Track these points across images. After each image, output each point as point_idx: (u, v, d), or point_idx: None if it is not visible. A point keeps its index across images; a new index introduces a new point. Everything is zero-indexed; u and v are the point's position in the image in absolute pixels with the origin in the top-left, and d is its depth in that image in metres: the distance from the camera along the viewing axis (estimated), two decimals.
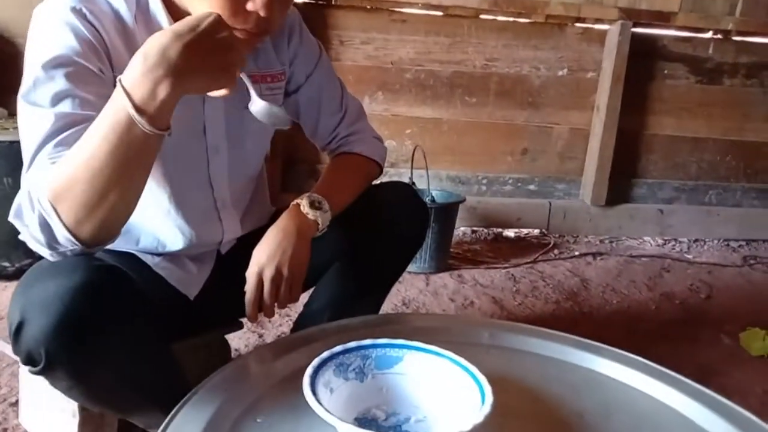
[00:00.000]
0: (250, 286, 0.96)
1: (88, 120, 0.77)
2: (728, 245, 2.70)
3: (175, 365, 0.89)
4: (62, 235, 0.73)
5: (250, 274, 0.96)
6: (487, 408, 0.67)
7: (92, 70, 0.81)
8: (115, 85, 0.85)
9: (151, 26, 0.88)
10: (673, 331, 1.83)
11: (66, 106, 0.77)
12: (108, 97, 0.82)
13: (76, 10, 0.81)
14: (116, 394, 0.84)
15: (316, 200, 1.01)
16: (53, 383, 0.78)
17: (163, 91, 0.69)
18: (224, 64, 0.73)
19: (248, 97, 1.02)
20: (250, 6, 0.81)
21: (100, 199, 0.71)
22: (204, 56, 0.70)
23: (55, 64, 0.79)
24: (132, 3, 0.88)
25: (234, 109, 1.01)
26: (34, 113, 0.78)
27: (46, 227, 0.73)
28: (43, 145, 0.76)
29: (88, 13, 0.82)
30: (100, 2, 0.86)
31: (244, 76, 0.82)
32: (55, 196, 0.71)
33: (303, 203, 1.00)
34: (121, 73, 0.85)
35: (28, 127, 0.78)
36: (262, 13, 0.81)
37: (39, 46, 0.81)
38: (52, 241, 0.74)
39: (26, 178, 0.76)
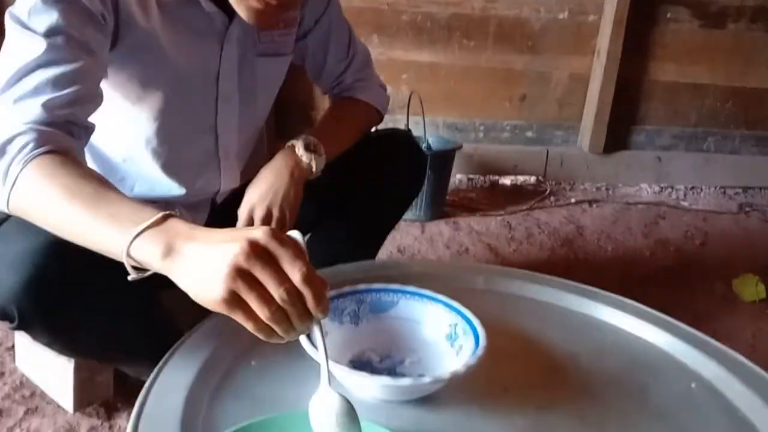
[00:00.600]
0: (240, 225, 0.95)
1: (79, 60, 0.74)
2: (725, 193, 2.69)
3: (162, 315, 0.88)
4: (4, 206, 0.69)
5: (241, 213, 0.95)
6: (480, 351, 0.67)
7: (92, 12, 0.77)
8: (115, 35, 0.81)
9: None
10: (667, 278, 1.84)
11: (59, 41, 0.73)
12: (102, 44, 0.79)
13: None
14: (98, 348, 0.84)
15: (311, 143, 0.99)
16: (33, 338, 0.78)
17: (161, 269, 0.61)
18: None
19: (259, 44, 0.99)
20: None
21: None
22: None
23: None
24: None
25: (248, 58, 0.98)
26: (25, 37, 0.73)
27: None
28: (30, 71, 0.72)
29: None
30: None
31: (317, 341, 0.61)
32: (16, 209, 0.68)
33: (298, 145, 0.98)
34: (126, 19, 0.81)
35: (15, 47, 0.74)
36: None
37: None
38: None
39: (2, 99, 0.72)
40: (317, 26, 1.08)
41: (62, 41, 0.74)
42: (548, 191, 2.50)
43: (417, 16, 2.43)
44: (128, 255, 0.60)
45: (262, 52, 1.00)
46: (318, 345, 0.59)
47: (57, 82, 0.72)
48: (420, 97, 2.14)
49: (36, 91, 0.71)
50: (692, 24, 2.59)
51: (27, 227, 0.71)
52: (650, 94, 2.68)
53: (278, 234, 0.56)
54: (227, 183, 1.07)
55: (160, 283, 0.92)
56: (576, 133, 2.68)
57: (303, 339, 0.66)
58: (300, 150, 0.97)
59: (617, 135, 2.67)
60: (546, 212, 2.30)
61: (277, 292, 0.54)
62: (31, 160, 0.67)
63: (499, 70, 2.55)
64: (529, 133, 2.66)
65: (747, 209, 2.51)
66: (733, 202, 2.59)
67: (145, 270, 0.61)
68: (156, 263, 0.59)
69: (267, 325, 0.55)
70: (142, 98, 0.90)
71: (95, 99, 0.79)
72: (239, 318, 0.55)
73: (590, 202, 2.43)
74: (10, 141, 0.68)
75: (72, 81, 0.73)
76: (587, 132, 2.61)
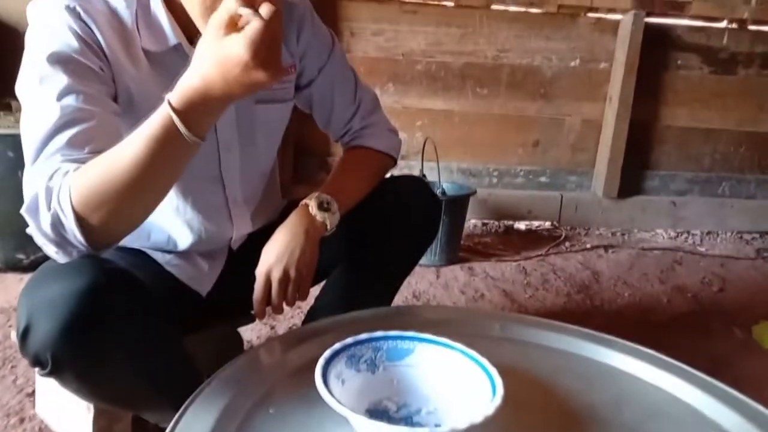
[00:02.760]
0: (258, 286, 0.97)
1: (94, 117, 0.78)
2: (741, 237, 2.67)
3: (185, 361, 0.89)
4: (75, 238, 0.73)
5: (259, 274, 0.97)
6: (498, 400, 0.67)
7: (91, 67, 0.82)
8: (113, 83, 0.86)
9: (152, 24, 0.88)
10: (685, 324, 1.82)
11: (70, 100, 0.78)
12: (109, 94, 0.84)
13: (70, 9, 0.81)
14: (125, 394, 0.85)
15: (324, 201, 1.00)
16: (62, 384, 0.78)
17: (215, 114, 0.73)
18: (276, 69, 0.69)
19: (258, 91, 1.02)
20: None
21: (129, 207, 0.74)
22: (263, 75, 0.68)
23: (56, 60, 0.79)
24: (133, 3, 0.87)
25: (245, 105, 1.01)
26: (38, 106, 0.78)
27: (59, 227, 0.73)
28: (50, 138, 0.76)
29: (82, 12, 0.82)
30: (96, 1, 0.85)
31: None
32: (82, 202, 0.72)
33: (311, 204, 0.99)
34: (116, 71, 0.85)
35: (32, 119, 0.78)
36: None
37: (38, 43, 0.81)
38: (62, 241, 0.74)
39: (31, 172, 0.76)
40: (321, 75, 1.10)
41: (73, 99, 0.78)
42: (563, 236, 2.50)
43: (431, 65, 2.49)
44: (174, 110, 0.70)
45: (260, 99, 1.03)
46: None
47: (76, 142, 0.76)
48: (434, 143, 2.18)
49: (59, 151, 0.76)
50: (702, 70, 2.63)
51: (61, 271, 0.73)
52: (663, 139, 2.70)
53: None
54: (240, 229, 1.08)
55: (185, 329, 0.94)
56: (590, 178, 2.70)
57: (319, 384, 0.67)
58: (314, 209, 0.99)
59: (631, 180, 2.68)
60: (561, 258, 2.30)
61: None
62: (68, 182, 0.72)
63: (512, 117, 2.59)
64: (543, 178, 2.68)
65: (765, 254, 2.49)
66: (750, 247, 2.57)
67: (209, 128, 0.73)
68: (194, 81, 0.69)
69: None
70: None
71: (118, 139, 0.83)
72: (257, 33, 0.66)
73: (606, 248, 2.43)
74: (50, 178, 0.73)
75: (90, 138, 0.77)
76: (601, 177, 2.63)
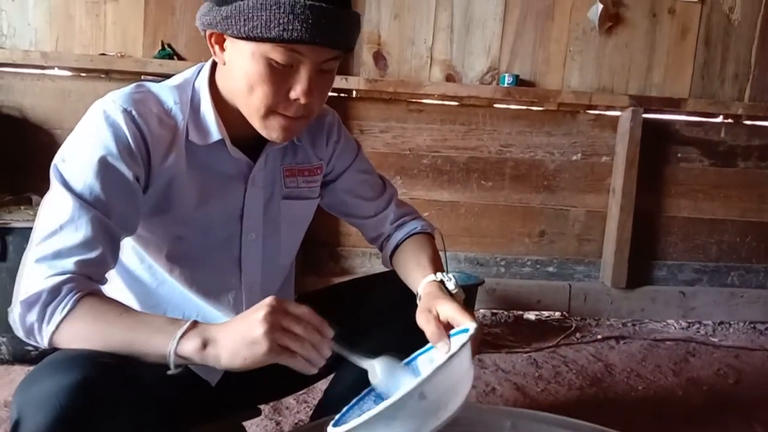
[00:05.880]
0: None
1: (102, 224, 0.84)
2: (755, 328, 2.64)
3: None
4: (40, 345, 0.81)
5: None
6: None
7: (125, 176, 0.87)
8: (144, 191, 0.91)
9: (199, 121, 0.94)
10: (702, 419, 1.77)
11: (90, 201, 0.84)
12: (130, 212, 0.89)
13: (126, 112, 0.88)
14: None
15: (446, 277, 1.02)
16: None
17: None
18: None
19: (285, 189, 1.08)
20: (292, 94, 0.88)
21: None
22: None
23: (93, 161, 0.85)
24: (186, 105, 0.94)
25: (273, 201, 1.06)
26: (62, 193, 0.84)
27: (34, 333, 0.80)
28: (61, 228, 0.82)
29: (136, 115, 0.88)
30: (152, 103, 0.92)
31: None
32: (59, 343, 0.79)
33: (447, 282, 1.00)
34: (155, 167, 0.91)
35: (53, 201, 0.84)
36: (303, 101, 0.88)
37: (84, 138, 0.87)
38: (28, 338, 0.81)
39: (36, 257, 0.81)
40: (348, 170, 1.16)
41: (93, 201, 0.84)
42: (574, 327, 2.48)
43: (437, 159, 2.58)
44: (175, 355, 0.76)
45: (287, 196, 1.08)
46: (345, 353, 0.81)
47: (85, 244, 0.82)
48: (441, 233, 2.21)
49: (70, 252, 0.81)
50: (703, 163, 2.70)
51: (56, 366, 0.74)
52: (668, 229, 2.73)
53: (278, 298, 0.78)
54: None
55: (191, 420, 0.93)
56: (597, 269, 2.71)
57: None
58: (451, 285, 1.00)
59: (639, 270, 2.69)
60: (573, 349, 2.27)
61: (301, 330, 0.76)
62: (72, 307, 0.78)
63: (516, 208, 2.64)
64: (551, 268, 2.69)
65: None
66: (764, 338, 2.53)
67: (181, 366, 0.77)
68: (197, 355, 0.76)
69: (303, 359, 0.75)
70: (165, 231, 0.97)
71: (113, 260, 0.89)
72: (284, 359, 0.75)
73: (617, 339, 2.40)
74: (57, 288, 0.79)
75: (96, 244, 0.83)
76: (608, 267, 2.64)
